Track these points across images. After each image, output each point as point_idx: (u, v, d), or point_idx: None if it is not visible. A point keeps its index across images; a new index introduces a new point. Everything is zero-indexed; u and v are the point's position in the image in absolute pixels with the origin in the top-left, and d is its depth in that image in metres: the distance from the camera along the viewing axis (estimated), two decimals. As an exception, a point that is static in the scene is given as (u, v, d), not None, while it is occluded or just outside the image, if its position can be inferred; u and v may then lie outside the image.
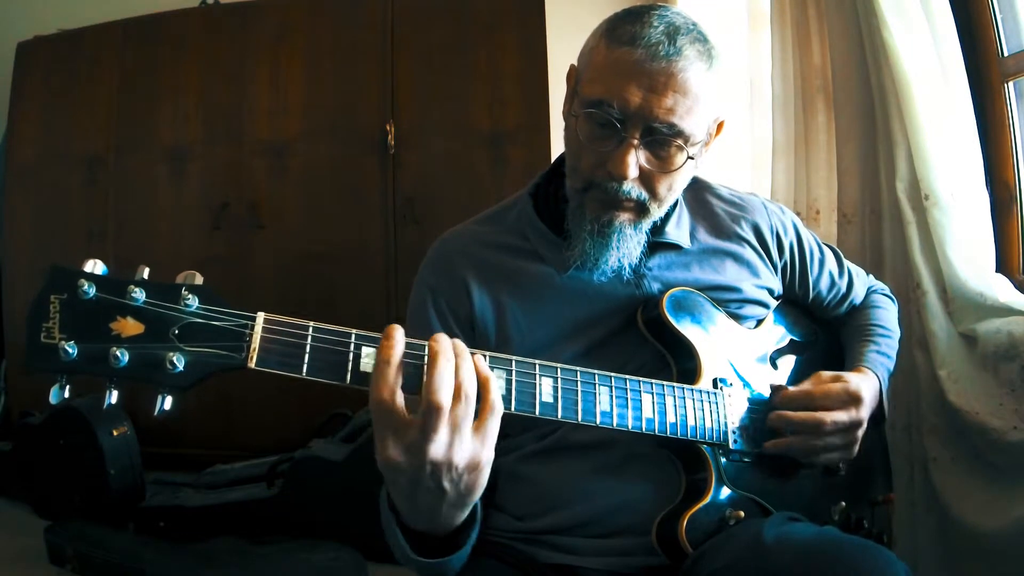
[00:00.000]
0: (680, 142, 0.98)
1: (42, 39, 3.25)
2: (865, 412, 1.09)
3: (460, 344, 0.80)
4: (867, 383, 1.13)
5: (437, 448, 0.74)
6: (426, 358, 0.77)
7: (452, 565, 0.87)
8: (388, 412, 0.75)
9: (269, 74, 3.06)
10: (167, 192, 3.12)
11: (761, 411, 1.08)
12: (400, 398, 0.75)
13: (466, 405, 0.76)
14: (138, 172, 3.13)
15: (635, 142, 0.97)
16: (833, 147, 1.98)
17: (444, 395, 0.74)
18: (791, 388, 1.09)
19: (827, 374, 1.11)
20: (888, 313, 1.31)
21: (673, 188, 1.04)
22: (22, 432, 2.73)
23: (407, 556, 0.86)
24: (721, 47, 1.02)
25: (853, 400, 1.08)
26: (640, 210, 1.03)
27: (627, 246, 1.04)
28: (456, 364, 0.77)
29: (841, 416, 1.06)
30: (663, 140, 0.98)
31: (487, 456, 0.79)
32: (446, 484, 0.77)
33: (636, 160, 0.98)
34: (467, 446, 0.76)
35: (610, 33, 0.99)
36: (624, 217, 1.03)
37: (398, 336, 0.77)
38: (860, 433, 1.09)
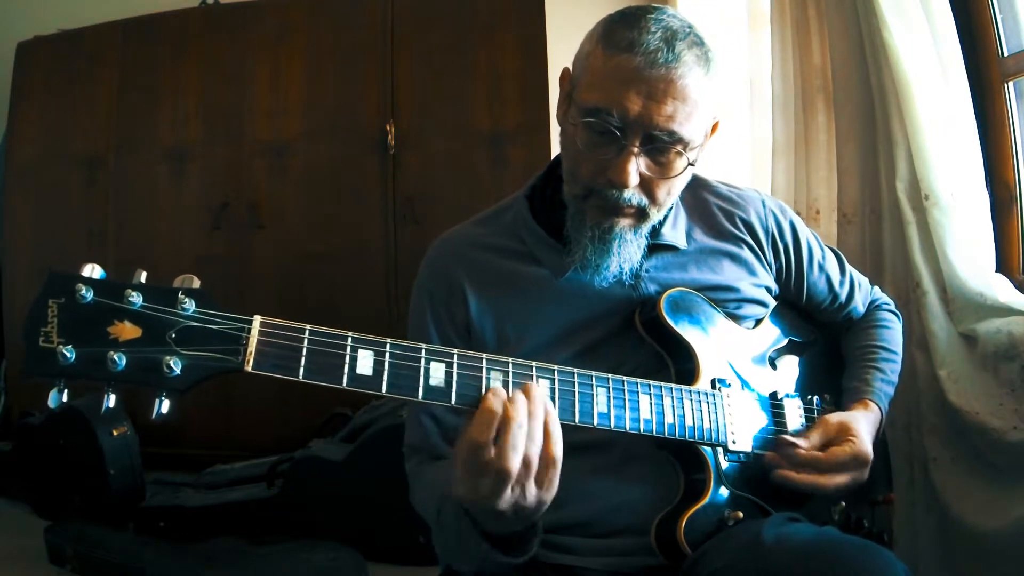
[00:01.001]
0: (679, 148, 0.98)
1: (42, 39, 3.25)
2: (867, 471, 1.08)
3: (537, 401, 0.83)
4: (871, 425, 1.12)
5: (504, 500, 0.81)
6: (498, 420, 0.81)
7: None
8: (474, 456, 0.80)
9: (269, 74, 3.07)
10: (167, 192, 3.12)
11: (761, 416, 1.08)
12: (491, 449, 0.80)
13: (532, 468, 0.81)
14: (138, 172, 3.14)
15: (635, 150, 0.97)
16: (833, 147, 1.98)
17: (514, 462, 0.80)
18: (800, 446, 1.06)
19: (835, 423, 1.09)
20: (893, 333, 1.29)
21: (672, 192, 1.04)
22: (22, 432, 2.73)
23: (479, 551, 0.89)
24: (720, 47, 1.02)
25: (860, 464, 1.06)
26: (640, 215, 1.03)
27: (628, 251, 1.04)
28: (528, 429, 0.81)
29: (845, 479, 1.05)
30: (663, 147, 0.98)
31: (548, 497, 0.84)
32: (506, 512, 0.83)
33: (636, 168, 0.97)
34: (531, 496, 0.82)
35: (607, 38, 0.98)
36: (624, 223, 1.03)
37: (501, 390, 0.83)
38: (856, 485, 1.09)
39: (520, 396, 0.82)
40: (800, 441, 1.06)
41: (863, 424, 1.10)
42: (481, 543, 0.87)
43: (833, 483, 1.04)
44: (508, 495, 0.81)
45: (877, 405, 1.17)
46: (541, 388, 0.86)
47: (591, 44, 1.01)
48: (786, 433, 1.08)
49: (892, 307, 1.35)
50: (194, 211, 3.08)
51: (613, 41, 0.97)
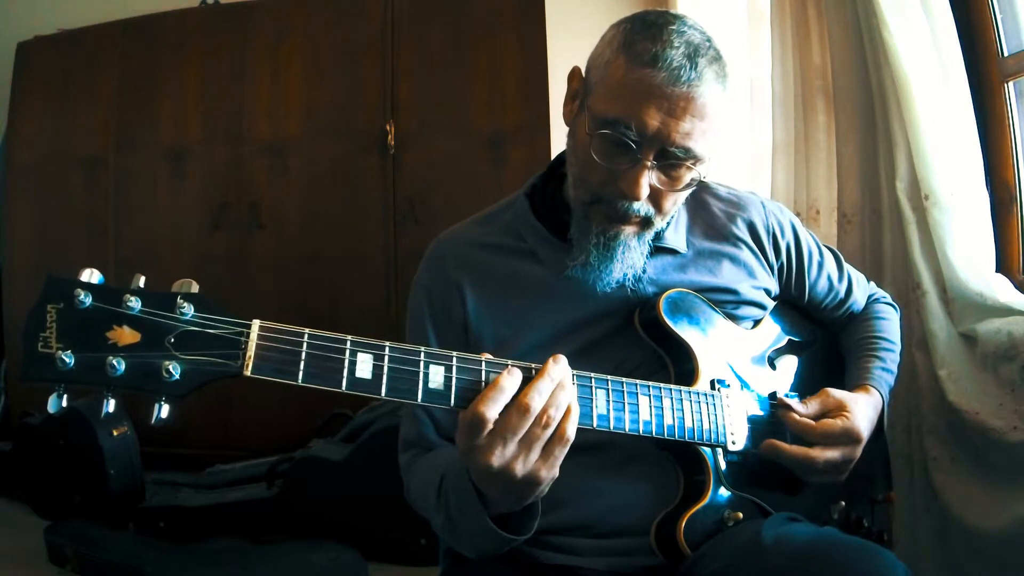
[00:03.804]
0: (691, 163, 0.98)
1: (42, 39, 3.26)
2: (860, 449, 1.08)
3: (566, 374, 0.85)
4: (870, 408, 1.12)
5: (502, 456, 0.81)
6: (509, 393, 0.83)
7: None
8: (479, 427, 0.81)
9: (269, 74, 3.07)
10: (167, 192, 3.12)
11: (760, 416, 1.08)
12: (495, 420, 0.81)
13: (544, 429, 0.82)
14: (138, 172, 3.14)
15: (649, 164, 0.97)
16: (833, 147, 1.97)
17: (536, 402, 0.82)
18: (794, 411, 1.07)
19: (834, 397, 1.09)
20: (891, 324, 1.29)
21: (678, 203, 1.05)
22: (22, 432, 2.74)
23: (477, 519, 0.89)
24: (721, 47, 1.01)
25: (852, 439, 1.06)
26: (645, 224, 1.03)
27: (631, 258, 1.04)
28: (553, 392, 0.83)
29: (835, 455, 1.05)
30: (676, 163, 0.98)
31: (548, 475, 0.84)
32: (500, 474, 0.82)
33: (648, 181, 0.98)
34: (531, 464, 0.82)
35: (628, 49, 0.97)
36: (629, 231, 1.03)
37: (517, 372, 0.84)
38: (851, 465, 1.08)
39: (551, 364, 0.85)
40: (797, 406, 1.07)
41: (861, 405, 1.11)
42: (479, 509, 0.88)
43: (823, 457, 1.04)
44: (510, 450, 0.81)
45: (877, 391, 1.16)
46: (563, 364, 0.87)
47: (611, 52, 0.99)
48: (783, 438, 1.08)
49: (889, 299, 1.36)
50: (194, 211, 3.08)
51: (635, 53, 0.96)
